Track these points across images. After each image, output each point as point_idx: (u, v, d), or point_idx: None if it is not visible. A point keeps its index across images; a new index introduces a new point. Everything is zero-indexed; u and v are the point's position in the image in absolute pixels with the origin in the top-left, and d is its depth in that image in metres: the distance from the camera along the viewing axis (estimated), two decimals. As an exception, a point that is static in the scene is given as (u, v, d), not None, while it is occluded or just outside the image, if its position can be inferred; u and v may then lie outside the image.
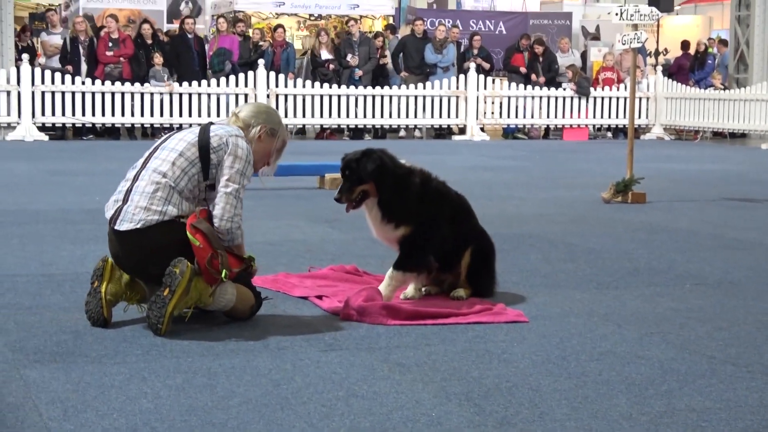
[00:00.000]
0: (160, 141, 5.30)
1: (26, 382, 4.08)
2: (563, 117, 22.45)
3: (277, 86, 20.60)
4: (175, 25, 24.57)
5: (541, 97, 22.24)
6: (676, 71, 24.35)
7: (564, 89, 22.44)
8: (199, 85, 20.24)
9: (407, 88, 21.55)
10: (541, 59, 22.73)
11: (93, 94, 19.70)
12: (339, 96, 21.04)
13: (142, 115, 20.01)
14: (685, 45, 25.35)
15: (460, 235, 5.76)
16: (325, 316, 5.35)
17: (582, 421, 3.70)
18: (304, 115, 20.86)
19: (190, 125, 20.18)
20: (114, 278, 5.10)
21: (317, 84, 20.98)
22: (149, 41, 20.75)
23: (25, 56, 19.33)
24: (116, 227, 5.04)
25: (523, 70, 22.61)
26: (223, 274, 4.93)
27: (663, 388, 4.12)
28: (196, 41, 21.23)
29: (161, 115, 20.06)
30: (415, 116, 21.57)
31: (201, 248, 4.90)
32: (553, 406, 3.87)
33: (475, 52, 22.68)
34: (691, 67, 24.54)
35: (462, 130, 21.84)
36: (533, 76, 22.43)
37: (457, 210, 5.81)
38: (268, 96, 20.42)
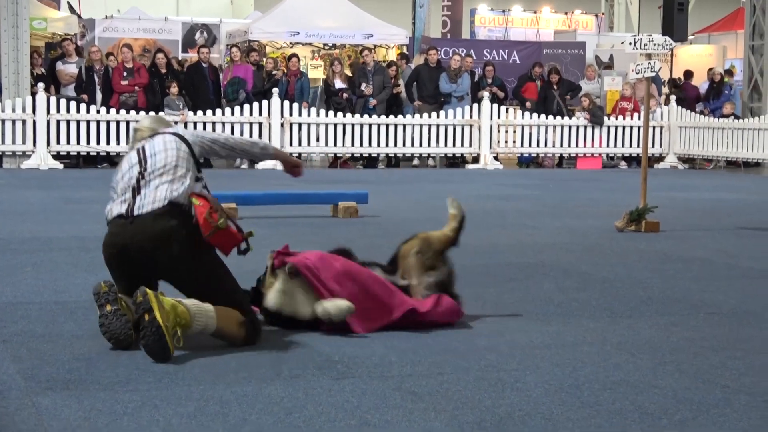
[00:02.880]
0: (135, 155, 5.46)
1: (38, 410, 4.08)
2: (577, 146, 22.46)
3: (291, 115, 20.66)
4: (190, 54, 24.73)
5: (554, 126, 22.25)
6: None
7: (578, 118, 22.46)
8: (214, 113, 20.32)
9: (421, 116, 21.59)
10: (556, 87, 22.78)
11: (108, 122, 19.79)
12: (353, 125, 21.09)
13: (157, 143, 20.05)
14: (688, 74, 25.41)
15: None
16: (338, 343, 5.33)
17: (595, 451, 3.68)
18: (318, 144, 20.93)
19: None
20: (122, 304, 5.12)
21: (331, 113, 21.05)
22: (163, 70, 20.87)
23: (41, 85, 19.43)
24: (138, 213, 5.22)
25: (528, 105, 22.70)
26: (220, 222, 5.20)
27: (677, 418, 4.10)
28: (211, 70, 21.31)
29: (176, 143, 20.11)
30: (429, 145, 21.60)
31: (200, 206, 5.25)
32: (566, 436, 3.85)
33: (489, 81, 22.76)
34: (706, 97, 24.55)
35: (476, 159, 21.85)
36: (566, 100, 22.59)
37: None
38: (282, 125, 20.49)
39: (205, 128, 20.22)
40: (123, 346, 5.08)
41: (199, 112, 20.20)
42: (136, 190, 5.31)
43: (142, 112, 19.81)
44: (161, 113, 19.87)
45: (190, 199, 5.31)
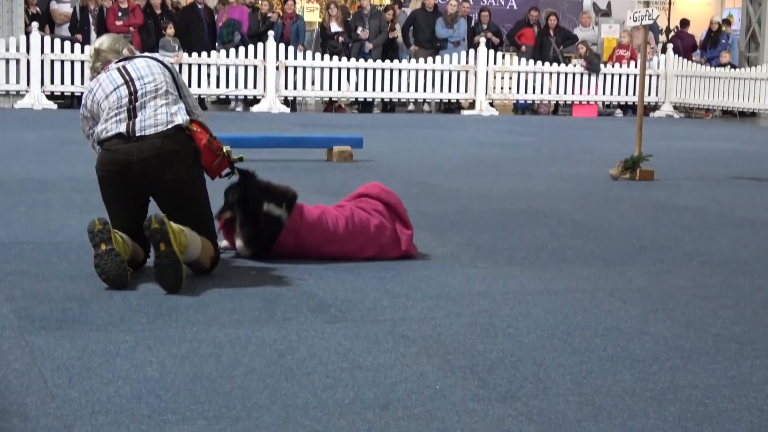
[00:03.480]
0: (119, 76, 5.49)
1: (32, 349, 4.10)
2: (573, 93, 22.39)
3: (286, 58, 20.56)
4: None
5: (551, 73, 22.16)
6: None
7: (574, 65, 22.36)
8: (209, 55, 20.21)
9: (417, 62, 21.49)
10: (552, 33, 22.65)
11: (102, 63, 19.64)
12: (348, 69, 20.99)
13: (151, 85, 19.96)
14: (684, 23, 25.27)
15: None
16: (331, 287, 5.34)
17: (585, 396, 3.70)
18: (313, 87, 20.85)
19: (199, 96, 20.25)
20: (117, 241, 5.14)
21: (326, 56, 20.93)
22: (158, 11, 20.73)
23: (35, 24, 19.30)
24: (141, 134, 5.31)
25: (523, 49, 22.54)
26: (224, 151, 5.50)
27: (667, 365, 4.12)
28: (206, 12, 21.17)
29: (170, 85, 20.03)
30: (425, 90, 21.52)
31: (198, 132, 5.42)
32: (557, 381, 3.87)
33: (485, 26, 22.62)
34: (703, 45, 24.46)
35: (471, 105, 21.79)
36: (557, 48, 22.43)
37: None
38: (277, 68, 20.38)
39: (200, 70, 20.15)
40: (118, 286, 5.10)
41: (194, 54, 20.09)
42: (132, 112, 5.37)
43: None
44: (156, 54, 19.77)
45: (188, 125, 5.43)
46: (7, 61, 19.19)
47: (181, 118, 5.40)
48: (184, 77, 19.97)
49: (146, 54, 5.74)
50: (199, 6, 20.98)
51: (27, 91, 19.29)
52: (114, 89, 5.46)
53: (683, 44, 24.22)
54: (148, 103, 5.39)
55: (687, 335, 4.61)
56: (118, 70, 5.53)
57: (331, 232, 5.98)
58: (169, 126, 5.34)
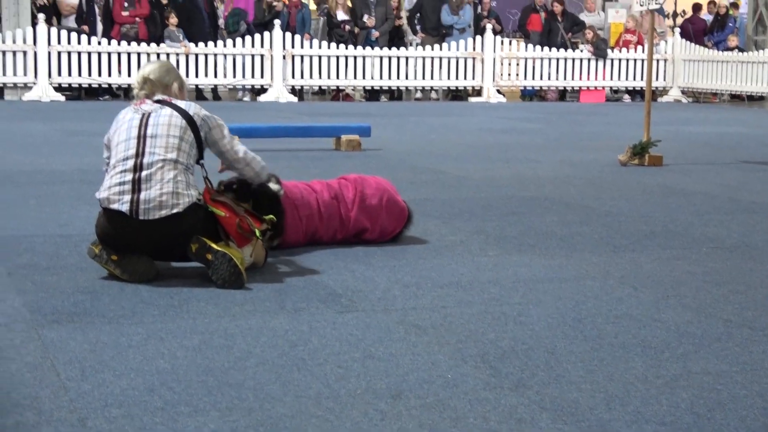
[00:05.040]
0: (136, 128, 5.25)
1: (44, 342, 4.10)
2: (580, 79, 22.35)
3: (293, 47, 20.55)
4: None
5: (558, 59, 22.13)
6: (682, 33, 24.20)
7: (581, 51, 22.32)
8: (215, 45, 20.20)
9: (423, 49, 21.46)
10: (560, 18, 22.60)
11: (109, 54, 19.68)
12: (355, 57, 20.97)
13: (158, 75, 19.94)
14: (696, 7, 25.15)
15: None
16: (342, 277, 5.35)
17: (597, 384, 3.70)
18: (320, 77, 20.83)
19: (196, 85, 20.14)
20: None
21: (333, 45, 20.92)
22: (164, 1, 20.70)
23: (41, 16, 19.31)
24: (144, 218, 5.11)
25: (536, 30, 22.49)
26: (257, 233, 5.29)
27: (679, 351, 4.12)
28: (206, 3, 21.11)
29: (177, 75, 20.01)
30: (432, 78, 21.49)
31: (227, 217, 5.25)
32: (569, 369, 3.87)
33: (486, 14, 22.60)
34: (710, 29, 24.38)
35: (478, 92, 21.76)
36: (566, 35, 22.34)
37: None
38: (284, 57, 20.37)
39: (207, 61, 20.13)
40: (147, 279, 5.15)
41: (201, 44, 20.08)
42: (137, 184, 5.13)
43: (143, 44, 19.69)
44: (162, 45, 19.77)
45: (211, 207, 5.24)
46: (15, 53, 19.21)
47: (187, 198, 5.15)
48: (191, 68, 19.98)
49: (182, 105, 5.35)
50: (199, -4, 20.95)
51: (35, 83, 19.31)
52: (126, 140, 5.24)
53: (694, 28, 24.12)
54: (154, 176, 5.13)
55: (698, 321, 4.60)
56: (142, 117, 5.27)
57: (314, 208, 6.12)
58: (174, 210, 5.11)
